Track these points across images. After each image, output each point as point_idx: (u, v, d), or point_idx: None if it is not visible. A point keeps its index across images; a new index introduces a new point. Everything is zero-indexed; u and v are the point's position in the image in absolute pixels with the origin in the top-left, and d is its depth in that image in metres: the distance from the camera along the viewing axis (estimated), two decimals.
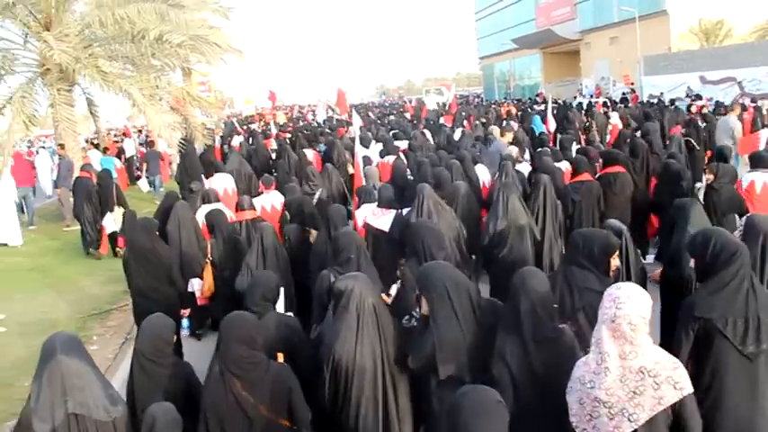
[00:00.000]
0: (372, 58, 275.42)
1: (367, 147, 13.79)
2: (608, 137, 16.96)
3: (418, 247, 5.08)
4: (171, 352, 4.00)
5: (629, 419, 2.88)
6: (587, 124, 18.15)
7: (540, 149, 11.07)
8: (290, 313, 5.18)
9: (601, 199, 8.13)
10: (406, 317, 4.67)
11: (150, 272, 6.49)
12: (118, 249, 11.20)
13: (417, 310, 4.35)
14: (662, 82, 34.48)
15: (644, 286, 5.45)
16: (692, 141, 12.85)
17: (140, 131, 31.01)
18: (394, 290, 5.41)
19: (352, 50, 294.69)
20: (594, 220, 7.88)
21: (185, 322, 7.06)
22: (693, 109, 22.04)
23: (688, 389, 2.89)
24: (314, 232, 7.14)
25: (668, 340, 4.02)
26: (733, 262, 3.56)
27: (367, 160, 11.41)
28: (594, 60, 48.24)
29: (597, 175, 8.58)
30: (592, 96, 40.46)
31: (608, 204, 8.19)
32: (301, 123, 33.27)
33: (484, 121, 20.77)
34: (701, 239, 3.77)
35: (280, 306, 4.92)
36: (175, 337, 4.21)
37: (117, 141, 26.09)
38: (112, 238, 11.81)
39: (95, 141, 22.93)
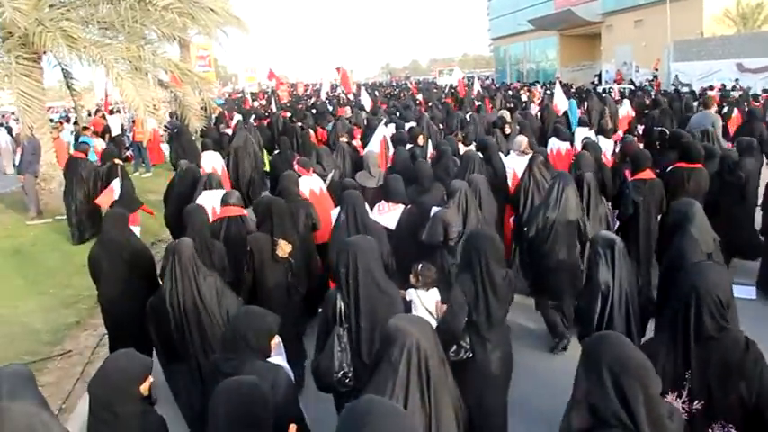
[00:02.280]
0: (378, 36, 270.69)
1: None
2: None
3: (475, 260, 4.29)
4: (133, 400, 3.16)
5: None
6: (601, 111, 16.65)
7: (584, 143, 9.82)
8: (282, 361, 3.82)
9: (663, 200, 7.16)
10: (454, 348, 4.20)
11: (123, 272, 5.59)
12: None
13: (467, 339, 4.22)
14: (693, 69, 32.26)
15: (646, 314, 4.77)
16: (666, 131, 11.76)
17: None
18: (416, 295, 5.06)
19: (357, 28, 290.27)
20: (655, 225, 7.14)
21: None
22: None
23: None
24: (284, 245, 5.68)
25: None
26: None
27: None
28: (616, 44, 45.69)
29: (670, 169, 7.71)
30: (615, 82, 38.24)
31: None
32: (312, 101, 31.41)
33: (511, 106, 18.84)
34: None
35: (279, 357, 3.79)
36: (149, 380, 3.26)
37: (104, 117, 23.74)
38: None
39: (71, 117, 20.68)
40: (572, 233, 6.24)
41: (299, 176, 7.86)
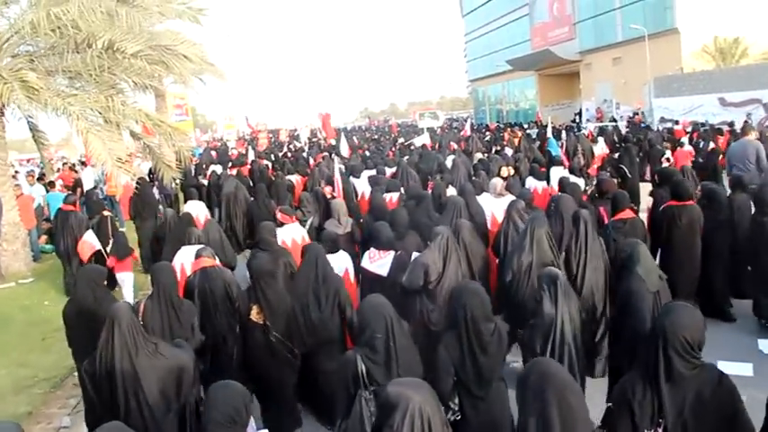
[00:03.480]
0: (355, 81, 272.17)
1: (357, 176, 12.71)
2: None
3: (460, 317, 4.15)
4: None
5: None
6: (574, 149, 17.10)
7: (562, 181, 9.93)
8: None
9: (646, 238, 7.04)
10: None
11: (88, 333, 5.15)
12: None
13: (456, 400, 4.13)
14: (675, 104, 32.02)
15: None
16: (624, 168, 12.33)
17: None
18: None
19: (335, 73, 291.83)
20: None
21: None
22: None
23: None
24: (256, 312, 5.56)
25: None
26: None
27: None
28: (596, 82, 45.74)
29: (662, 209, 7.72)
30: (597, 119, 38.08)
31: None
32: (291, 147, 30.95)
33: (498, 149, 18.53)
34: None
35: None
36: None
37: (76, 171, 22.88)
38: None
39: (42, 172, 19.76)
40: None
41: (282, 224, 8.21)
